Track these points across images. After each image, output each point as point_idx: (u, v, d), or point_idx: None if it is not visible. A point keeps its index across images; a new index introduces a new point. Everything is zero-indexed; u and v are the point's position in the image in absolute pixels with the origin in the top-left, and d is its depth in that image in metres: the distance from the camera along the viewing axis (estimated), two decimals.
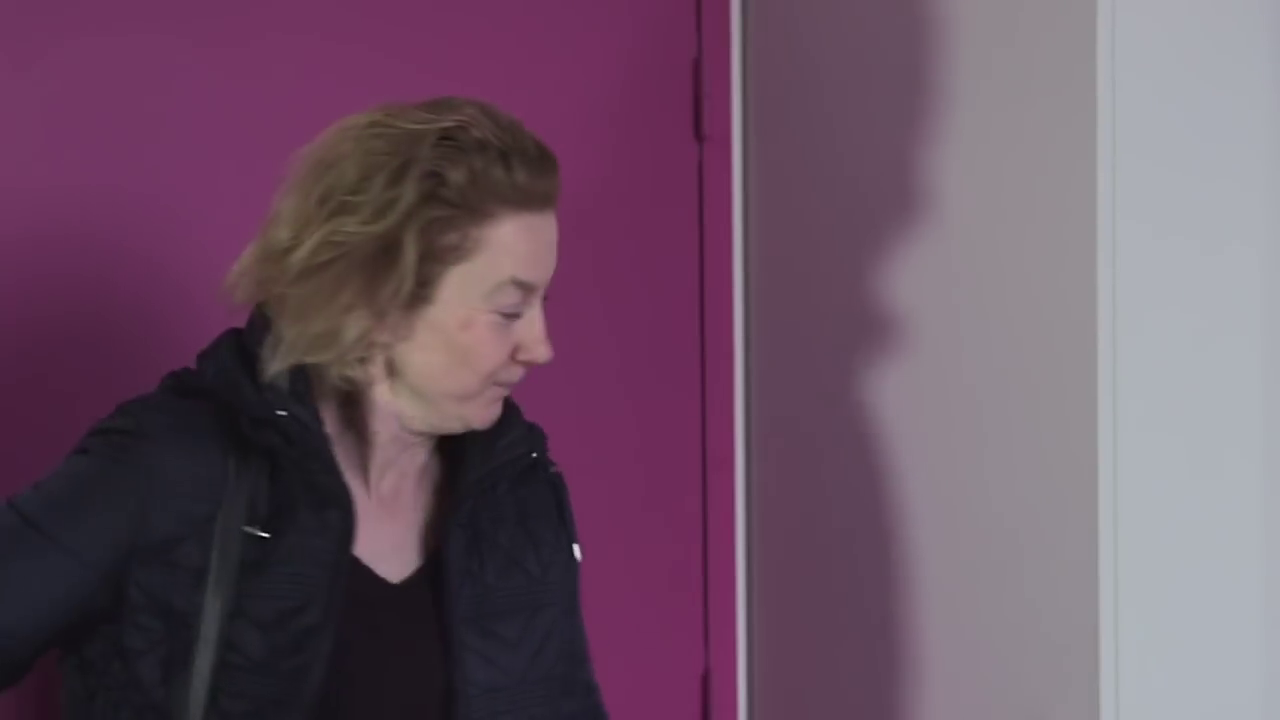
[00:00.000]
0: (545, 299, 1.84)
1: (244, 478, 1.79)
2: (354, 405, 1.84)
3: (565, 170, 1.85)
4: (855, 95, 2.61)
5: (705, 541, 2.82)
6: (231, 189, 2.41)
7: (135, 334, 2.41)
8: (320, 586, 1.79)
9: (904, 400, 2.51)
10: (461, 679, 1.85)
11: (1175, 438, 2.21)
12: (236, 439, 1.79)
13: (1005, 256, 2.33)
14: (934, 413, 2.46)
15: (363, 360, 1.81)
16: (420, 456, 1.89)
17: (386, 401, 1.83)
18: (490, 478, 1.89)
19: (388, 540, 1.86)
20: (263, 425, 1.79)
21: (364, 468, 1.86)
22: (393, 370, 1.82)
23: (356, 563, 1.82)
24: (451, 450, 1.90)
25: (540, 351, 1.84)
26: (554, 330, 1.85)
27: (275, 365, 1.79)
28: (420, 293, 1.78)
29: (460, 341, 1.80)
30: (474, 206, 1.78)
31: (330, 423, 1.83)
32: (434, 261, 1.78)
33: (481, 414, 1.85)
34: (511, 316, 1.82)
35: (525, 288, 1.81)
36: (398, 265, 1.77)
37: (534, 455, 1.93)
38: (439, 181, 1.77)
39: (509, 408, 1.89)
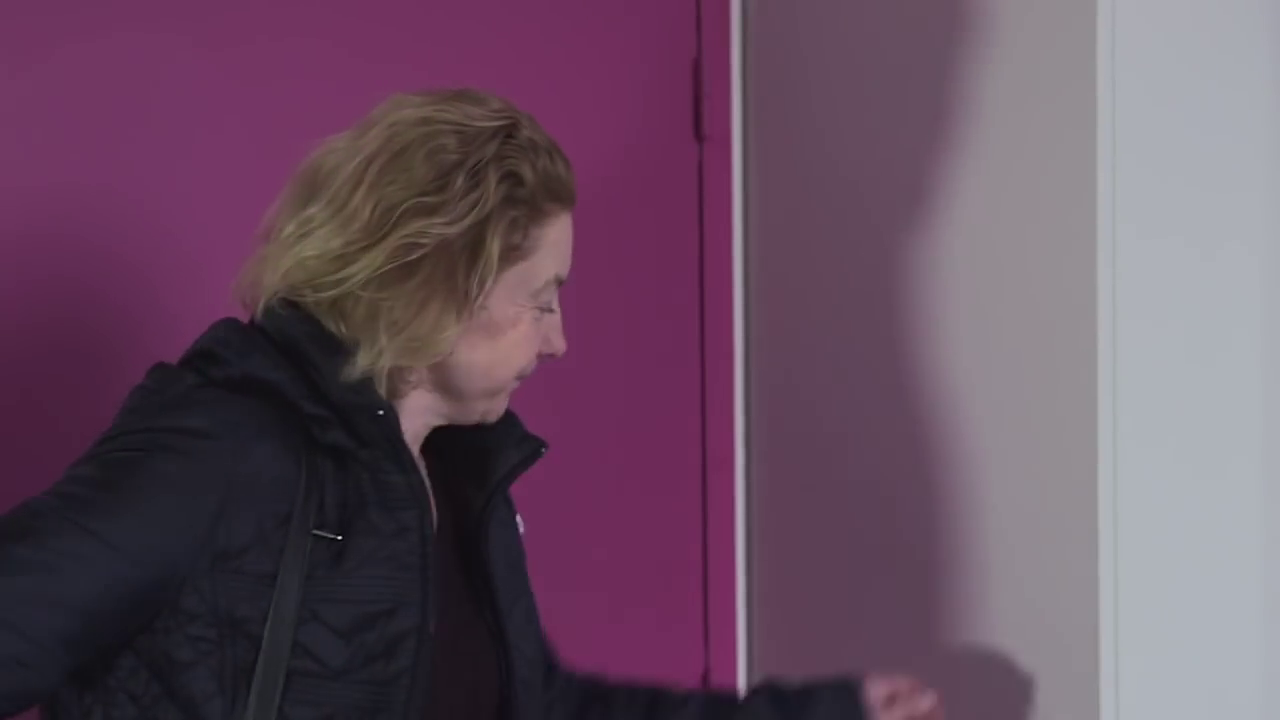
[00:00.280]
0: None
1: (312, 478, 1.74)
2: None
3: None
4: (855, 95, 2.61)
5: (705, 542, 2.82)
6: (231, 190, 2.41)
7: (135, 334, 2.41)
8: (413, 588, 1.75)
9: (904, 400, 2.51)
10: (515, 678, 1.86)
11: (1175, 439, 2.22)
12: (304, 438, 1.75)
13: (1005, 257, 2.33)
14: (933, 413, 2.46)
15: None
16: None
17: (421, 400, 1.83)
18: (521, 467, 1.89)
19: None
20: (333, 425, 1.75)
21: None
22: (436, 370, 1.81)
23: None
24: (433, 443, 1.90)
25: (562, 344, 1.85)
26: None
27: (360, 367, 1.75)
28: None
29: (507, 339, 1.80)
30: (538, 205, 1.79)
31: None
32: (501, 261, 1.77)
33: (500, 407, 1.85)
34: (547, 311, 1.83)
35: (560, 283, 1.83)
36: (478, 266, 1.75)
37: (544, 446, 1.92)
38: (517, 181, 1.77)
39: None
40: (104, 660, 1.71)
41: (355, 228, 1.75)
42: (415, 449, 1.84)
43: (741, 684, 2.82)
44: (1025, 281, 2.30)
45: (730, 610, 2.82)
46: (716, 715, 2.09)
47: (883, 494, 2.56)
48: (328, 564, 1.72)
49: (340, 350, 1.76)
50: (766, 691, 2.09)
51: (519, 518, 1.99)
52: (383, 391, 1.77)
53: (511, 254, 1.78)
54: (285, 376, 1.76)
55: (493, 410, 1.85)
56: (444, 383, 1.82)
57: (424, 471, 1.84)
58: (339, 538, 1.73)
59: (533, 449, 1.89)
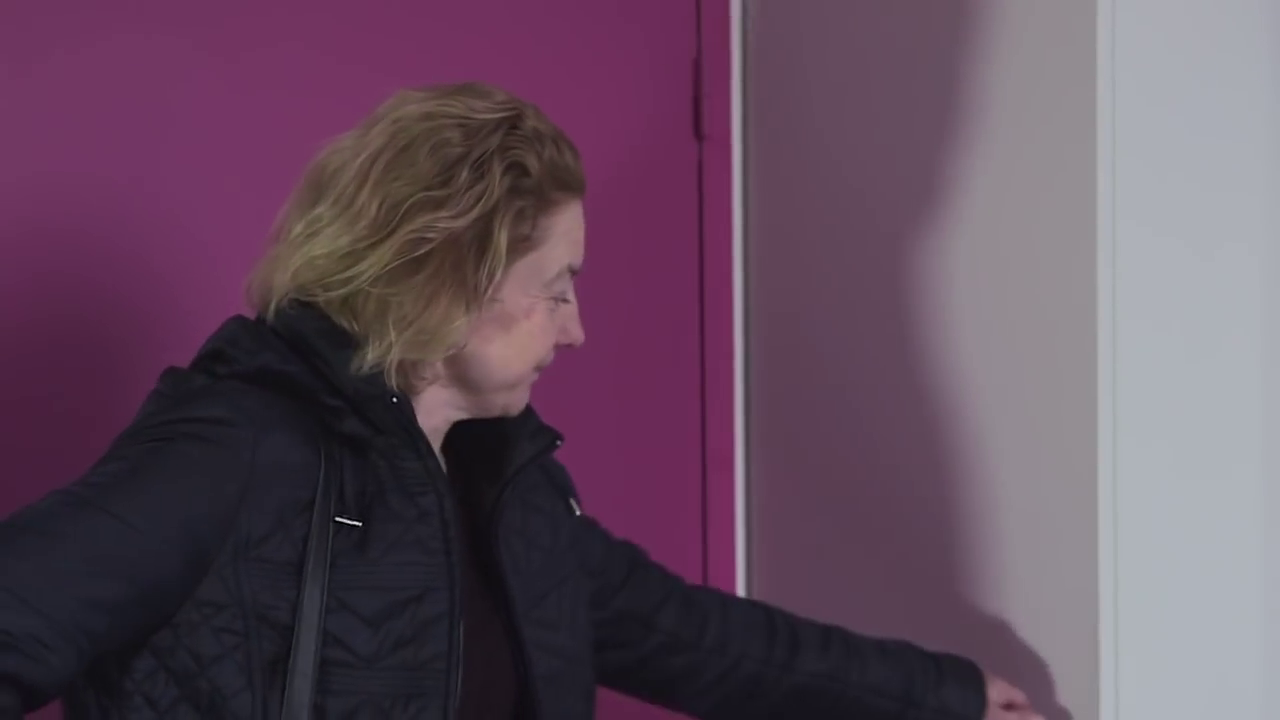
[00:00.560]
0: None
1: (331, 467, 1.74)
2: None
3: None
4: (855, 95, 2.61)
5: (705, 541, 2.82)
6: (232, 191, 2.42)
7: (135, 335, 2.42)
8: (440, 573, 1.75)
9: (904, 400, 2.51)
10: (532, 676, 1.85)
11: (1175, 438, 2.22)
12: (321, 428, 1.75)
13: (1005, 258, 2.33)
14: (934, 413, 2.46)
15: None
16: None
17: (439, 394, 1.83)
18: (537, 459, 1.89)
19: None
20: (348, 414, 1.75)
21: None
22: (451, 364, 1.81)
23: None
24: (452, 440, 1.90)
25: (579, 334, 1.85)
26: None
27: (370, 360, 1.75)
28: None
29: (522, 330, 1.80)
30: (545, 195, 1.79)
31: None
32: (510, 253, 1.77)
33: (521, 400, 1.86)
34: (561, 301, 1.83)
35: (574, 272, 1.83)
36: (487, 258, 1.76)
37: (560, 438, 1.92)
38: (521, 172, 1.77)
39: None
40: (121, 662, 1.70)
41: (362, 225, 1.76)
42: (436, 445, 1.84)
43: None
44: (1025, 282, 2.30)
45: None
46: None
47: (882, 494, 2.56)
48: (352, 552, 1.72)
49: (349, 344, 1.76)
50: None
51: (572, 500, 1.99)
52: (393, 385, 1.77)
53: (521, 245, 1.78)
54: (298, 369, 1.76)
55: (513, 403, 1.85)
56: (461, 376, 1.82)
57: (442, 462, 1.84)
58: (359, 524, 1.73)
59: (548, 441, 1.89)
